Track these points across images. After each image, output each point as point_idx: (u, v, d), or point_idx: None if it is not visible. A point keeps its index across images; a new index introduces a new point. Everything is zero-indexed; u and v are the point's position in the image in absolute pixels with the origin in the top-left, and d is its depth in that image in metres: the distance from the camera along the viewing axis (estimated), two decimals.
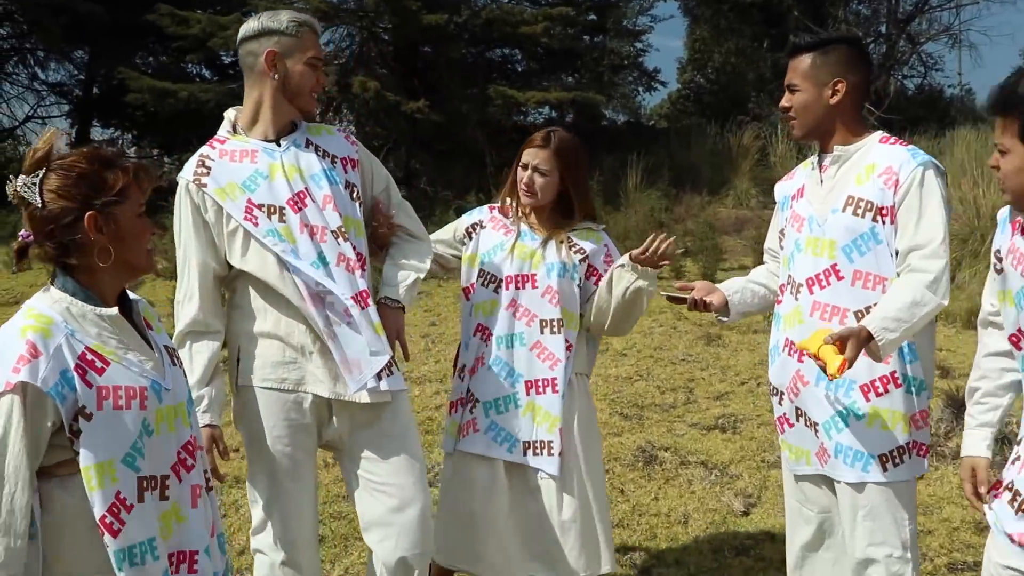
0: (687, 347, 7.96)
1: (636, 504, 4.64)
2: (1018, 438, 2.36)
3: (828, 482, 2.97)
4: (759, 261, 13.05)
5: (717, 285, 3.24)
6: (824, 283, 2.87)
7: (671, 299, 3.26)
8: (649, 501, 4.68)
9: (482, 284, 3.41)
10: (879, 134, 2.93)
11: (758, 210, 17.08)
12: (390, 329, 3.02)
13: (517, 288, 3.37)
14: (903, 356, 2.84)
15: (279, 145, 2.98)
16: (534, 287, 3.36)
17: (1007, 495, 2.26)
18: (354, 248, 2.96)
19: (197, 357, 2.92)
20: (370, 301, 2.95)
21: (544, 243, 3.40)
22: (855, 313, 2.81)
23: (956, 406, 5.73)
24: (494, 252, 3.43)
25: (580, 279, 3.40)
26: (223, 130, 3.03)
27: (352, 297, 2.90)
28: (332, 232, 2.92)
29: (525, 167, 3.38)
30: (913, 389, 2.86)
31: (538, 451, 3.30)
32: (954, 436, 5.41)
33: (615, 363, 7.50)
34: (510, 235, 3.44)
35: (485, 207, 3.60)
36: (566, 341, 3.34)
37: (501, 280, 3.39)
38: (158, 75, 16.92)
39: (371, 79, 16.96)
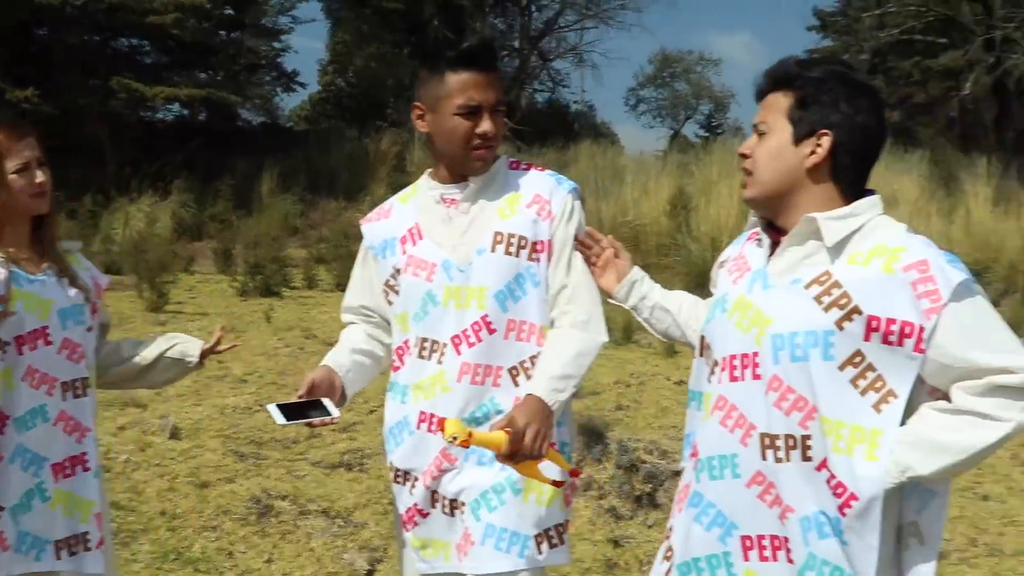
0: None
1: (245, 571, 4.06)
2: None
3: None
4: None
5: (326, 363, 2.56)
6: (474, 339, 2.40)
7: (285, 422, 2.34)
8: (261, 565, 4.11)
9: None
10: (505, 159, 2.53)
11: None
12: None
13: (31, 349, 2.54)
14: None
15: None
16: (47, 343, 2.56)
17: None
18: None
19: None
20: None
21: (51, 279, 2.62)
22: (510, 371, 2.40)
23: (584, 434, 5.44)
24: None
25: (88, 321, 2.69)
26: None
27: None
28: None
29: (25, 168, 2.55)
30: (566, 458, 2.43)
31: (75, 548, 2.60)
32: (584, 465, 5.19)
33: (233, 391, 6.80)
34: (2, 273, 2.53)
35: None
36: (93, 404, 2.67)
37: (7, 343, 2.50)
38: None
39: None
